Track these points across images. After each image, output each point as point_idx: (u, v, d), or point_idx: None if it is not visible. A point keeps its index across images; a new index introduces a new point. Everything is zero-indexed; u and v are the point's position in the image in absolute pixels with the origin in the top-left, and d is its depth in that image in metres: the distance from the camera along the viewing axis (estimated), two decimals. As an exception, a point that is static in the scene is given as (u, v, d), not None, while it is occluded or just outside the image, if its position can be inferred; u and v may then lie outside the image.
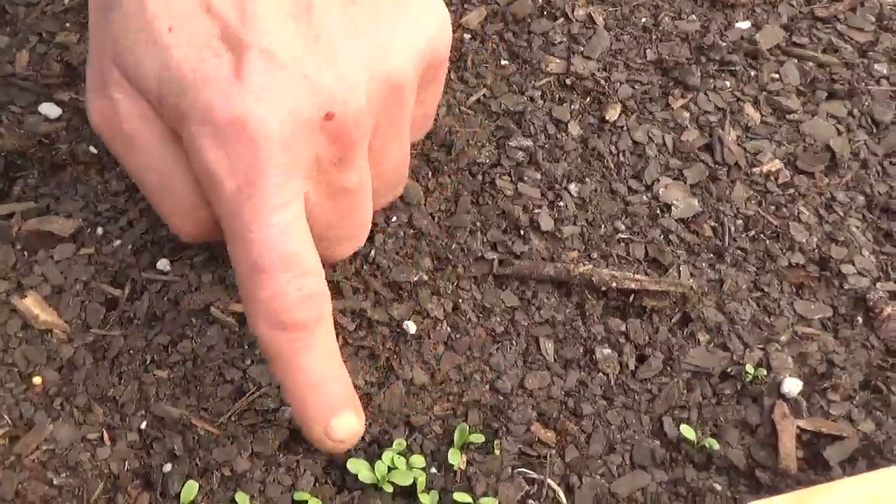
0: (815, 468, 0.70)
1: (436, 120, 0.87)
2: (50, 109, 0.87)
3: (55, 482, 0.66)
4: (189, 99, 0.57)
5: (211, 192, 0.60)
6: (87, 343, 0.73)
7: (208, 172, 0.59)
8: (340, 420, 0.64)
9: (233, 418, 0.70)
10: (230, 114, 0.57)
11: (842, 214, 0.85)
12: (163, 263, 0.77)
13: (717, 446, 0.71)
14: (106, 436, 0.69)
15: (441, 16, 0.66)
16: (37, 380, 0.71)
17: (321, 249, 0.64)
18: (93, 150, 0.84)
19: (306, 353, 0.62)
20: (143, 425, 0.70)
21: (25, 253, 0.78)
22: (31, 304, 0.74)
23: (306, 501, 0.67)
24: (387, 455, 0.69)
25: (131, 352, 0.73)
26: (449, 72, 0.92)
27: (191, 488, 0.67)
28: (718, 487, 0.69)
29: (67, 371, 0.72)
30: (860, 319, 0.79)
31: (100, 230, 0.79)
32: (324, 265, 0.63)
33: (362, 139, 0.62)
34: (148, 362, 0.73)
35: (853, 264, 0.81)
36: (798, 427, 0.72)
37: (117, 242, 0.79)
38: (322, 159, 0.61)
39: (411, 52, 0.63)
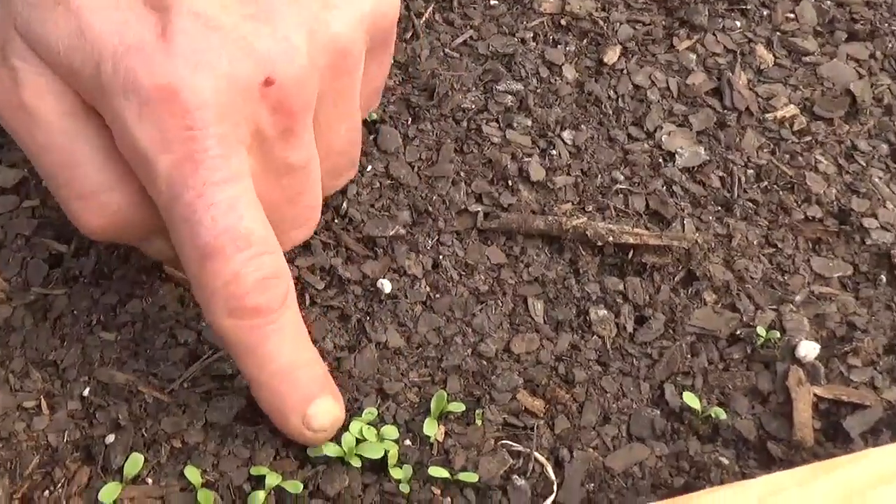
0: (834, 440, 0.64)
1: (418, 63, 0.81)
2: (-2, 53, 0.80)
3: (-15, 454, 0.60)
4: (108, 68, 0.51)
5: (143, 174, 0.53)
6: (26, 303, 0.67)
7: (137, 151, 0.52)
8: (319, 406, 0.59)
9: (185, 385, 0.64)
10: (157, 81, 0.50)
11: (863, 164, 0.78)
12: (113, 216, 0.70)
13: (724, 416, 0.64)
14: (44, 403, 0.63)
15: None
16: (-32, 342, 0.65)
17: None
18: (42, 95, 0.77)
19: (273, 339, 0.56)
20: (86, 392, 0.63)
21: (-37, 205, 0.72)
22: (-34, 260, 0.68)
23: (264, 476, 0.60)
24: (355, 425, 0.62)
25: (75, 312, 0.67)
26: (434, 12, 0.86)
27: (135, 461, 0.60)
28: (725, 461, 0.63)
29: (4, 333, 0.66)
30: (884, 278, 0.72)
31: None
32: None
33: (306, 108, 0.56)
34: (93, 323, 0.66)
35: (876, 218, 0.75)
36: (815, 395, 0.66)
37: (65, 194, 0.72)
38: (264, 132, 0.54)
39: (356, 15, 0.57)
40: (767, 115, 0.81)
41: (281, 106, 0.54)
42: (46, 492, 0.60)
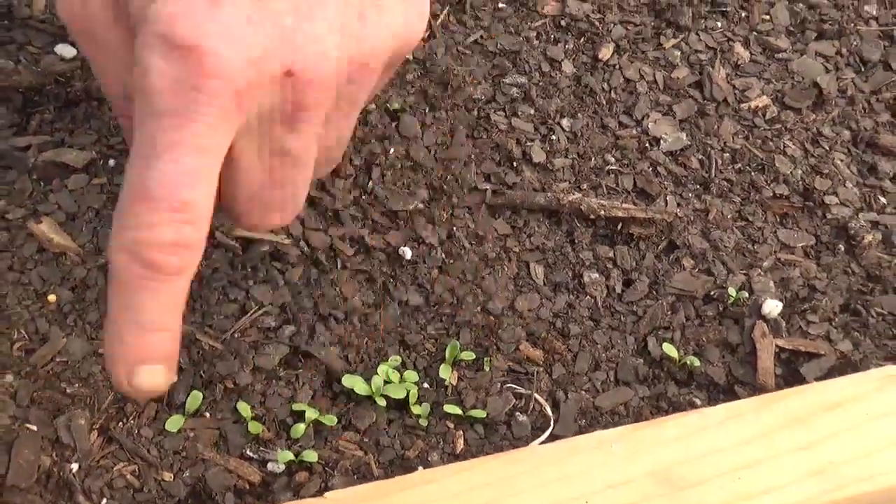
0: (792, 384, 0.72)
1: (435, 59, 0.90)
2: (65, 50, 0.90)
3: (68, 391, 0.70)
4: (155, 7, 0.52)
5: (140, 99, 0.54)
6: (98, 265, 0.76)
7: (146, 82, 0.53)
8: (147, 371, 0.57)
9: (236, 335, 0.73)
10: (191, 41, 0.51)
11: (827, 148, 0.87)
12: (170, 192, 0.80)
13: (698, 363, 0.73)
14: (116, 350, 0.72)
15: (423, 8, 0.62)
16: (51, 297, 0.74)
17: (247, 212, 0.62)
18: (104, 87, 0.86)
19: (149, 295, 0.55)
20: (152, 341, 0.73)
21: (41, 182, 0.81)
22: (46, 229, 0.77)
23: (304, 412, 0.70)
24: (382, 369, 0.72)
25: (140, 274, 0.76)
26: (448, 15, 0.95)
27: (195, 398, 0.70)
28: (698, 402, 0.72)
29: (80, 290, 0.75)
30: (842, 247, 0.81)
31: (111, 162, 0.82)
32: (250, 229, 0.67)
33: (318, 107, 0.57)
34: (156, 283, 0.76)
35: (836, 195, 0.84)
36: (777, 346, 0.74)
37: (128, 173, 0.82)
38: (271, 112, 0.56)
39: (390, 37, 0.59)
40: (742, 105, 0.89)
41: (296, 99, 0.56)
42: (120, 423, 0.69)
